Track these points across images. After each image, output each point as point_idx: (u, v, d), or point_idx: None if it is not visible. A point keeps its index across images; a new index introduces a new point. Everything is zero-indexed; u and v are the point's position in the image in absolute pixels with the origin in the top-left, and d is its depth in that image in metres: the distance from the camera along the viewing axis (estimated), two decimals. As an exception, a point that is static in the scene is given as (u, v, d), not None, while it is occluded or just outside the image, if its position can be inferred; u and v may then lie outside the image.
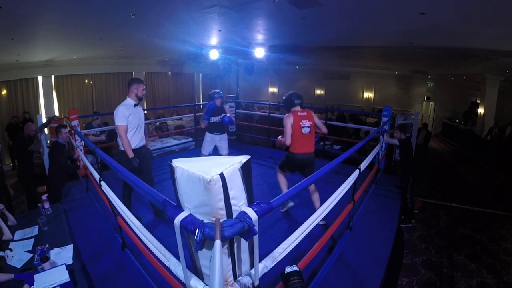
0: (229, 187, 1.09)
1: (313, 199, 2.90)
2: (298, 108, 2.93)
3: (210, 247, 1.07)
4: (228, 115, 3.81)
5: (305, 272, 1.93)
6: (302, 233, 1.62)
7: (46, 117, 4.49)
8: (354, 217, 2.86)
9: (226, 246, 1.14)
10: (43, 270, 1.92)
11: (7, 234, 2.38)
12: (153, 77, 11.34)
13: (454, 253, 4.06)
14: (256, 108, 11.61)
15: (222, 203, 1.08)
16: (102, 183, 2.25)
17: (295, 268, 1.17)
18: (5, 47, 5.64)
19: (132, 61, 10.00)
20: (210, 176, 1.04)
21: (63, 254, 2.23)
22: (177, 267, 1.34)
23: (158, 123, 7.88)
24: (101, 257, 2.41)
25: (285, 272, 1.17)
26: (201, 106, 12.15)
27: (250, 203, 1.20)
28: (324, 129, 3.06)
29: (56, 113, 8.37)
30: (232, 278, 1.20)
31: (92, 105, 9.54)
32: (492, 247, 4.20)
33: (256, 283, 1.25)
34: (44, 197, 2.91)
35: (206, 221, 1.10)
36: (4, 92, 7.52)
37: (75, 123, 4.31)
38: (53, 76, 8.40)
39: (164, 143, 6.15)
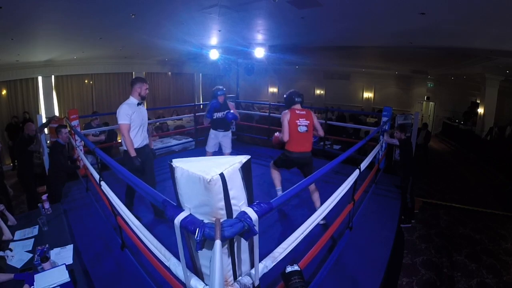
0: (229, 187, 1.09)
1: (313, 198, 2.90)
2: (298, 106, 2.92)
3: (210, 247, 1.06)
4: (232, 111, 3.79)
5: (305, 272, 1.93)
6: (302, 233, 1.62)
7: (46, 117, 4.49)
8: (354, 217, 2.86)
9: (226, 246, 1.14)
10: (43, 270, 1.92)
11: (7, 234, 2.37)
12: (153, 77, 11.34)
13: (454, 253, 4.06)
14: (256, 108, 11.62)
15: (222, 203, 1.08)
16: (102, 183, 2.25)
17: (296, 267, 1.17)
18: (5, 47, 5.64)
19: (132, 61, 10.00)
20: (210, 176, 1.04)
21: (63, 254, 2.22)
22: (177, 267, 1.34)
23: (158, 123, 7.89)
24: (101, 257, 2.41)
25: (286, 272, 1.17)
26: (201, 106, 12.19)
27: (250, 203, 1.20)
28: (321, 132, 3.03)
29: (56, 113, 8.37)
30: (232, 278, 1.20)
31: (92, 105, 9.54)
32: (492, 247, 4.20)
33: (256, 283, 1.25)
34: (44, 197, 2.91)
35: (206, 221, 1.10)
36: (4, 92, 7.52)
37: (75, 123, 4.31)
38: (53, 76, 8.40)
39: (164, 143, 6.15)
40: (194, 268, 1.31)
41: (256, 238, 1.18)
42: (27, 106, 7.92)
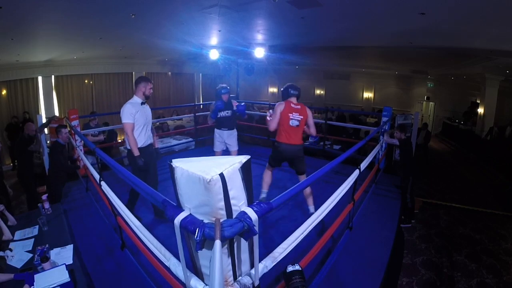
0: (229, 187, 1.09)
1: (308, 203, 2.92)
2: (293, 99, 2.91)
3: (210, 247, 1.07)
4: (243, 103, 3.76)
5: (305, 272, 1.93)
6: (302, 233, 1.62)
7: (46, 117, 4.49)
8: (354, 217, 2.86)
9: (226, 246, 1.14)
10: (43, 270, 1.92)
11: (7, 234, 2.37)
12: (153, 77, 11.34)
13: (454, 253, 4.06)
14: (256, 108, 11.62)
15: (222, 203, 1.08)
16: (102, 183, 2.25)
17: (297, 267, 1.18)
18: (5, 47, 5.64)
19: (132, 61, 10.00)
20: (210, 176, 1.04)
21: (63, 254, 2.22)
22: (177, 267, 1.34)
23: (158, 123, 7.89)
24: (101, 257, 2.41)
25: (287, 271, 1.17)
26: (201, 106, 12.17)
27: (250, 203, 1.20)
28: (313, 130, 2.99)
29: (56, 113, 8.37)
30: (232, 278, 1.20)
31: (92, 105, 9.54)
32: (492, 247, 4.20)
33: (256, 283, 1.25)
34: (44, 197, 2.91)
35: (206, 221, 1.10)
36: (4, 92, 7.52)
37: (75, 123, 4.31)
38: (53, 76, 8.40)
39: (164, 143, 6.15)
40: (194, 268, 1.31)
41: (256, 238, 1.18)
42: (27, 106, 7.92)
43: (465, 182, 7.25)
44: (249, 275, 1.27)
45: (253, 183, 1.25)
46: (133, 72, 10.38)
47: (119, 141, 6.94)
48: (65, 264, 1.96)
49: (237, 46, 7.12)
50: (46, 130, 4.29)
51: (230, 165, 1.12)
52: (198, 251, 1.12)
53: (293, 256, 1.60)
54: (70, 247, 2.31)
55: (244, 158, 1.19)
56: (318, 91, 14.68)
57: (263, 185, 3.16)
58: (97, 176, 2.44)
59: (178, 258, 1.29)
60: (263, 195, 3.14)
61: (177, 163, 1.17)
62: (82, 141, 4.16)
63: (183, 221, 1.11)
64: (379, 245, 2.62)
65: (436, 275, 3.61)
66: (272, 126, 2.90)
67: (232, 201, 1.11)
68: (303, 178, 2.94)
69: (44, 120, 4.25)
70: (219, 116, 3.74)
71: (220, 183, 1.06)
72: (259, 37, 6.70)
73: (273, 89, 15.52)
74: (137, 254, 2.32)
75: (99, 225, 2.94)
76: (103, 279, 2.14)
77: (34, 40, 5.63)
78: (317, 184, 2.92)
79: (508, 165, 7.29)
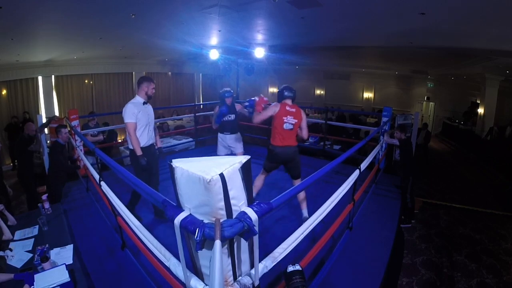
0: (229, 187, 1.09)
1: (302, 207, 2.90)
2: (288, 101, 2.86)
3: (210, 247, 1.07)
4: (254, 98, 3.72)
5: (305, 272, 1.94)
6: (302, 233, 1.62)
7: (46, 117, 4.48)
8: (354, 217, 2.86)
9: (226, 246, 1.14)
10: (43, 270, 1.92)
11: (7, 234, 2.37)
12: (153, 77, 11.34)
13: (454, 253, 4.06)
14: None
15: (222, 203, 1.08)
16: (102, 183, 2.25)
17: (297, 267, 1.18)
18: (5, 47, 5.64)
19: (132, 61, 10.00)
20: (210, 176, 1.04)
21: (63, 254, 2.22)
22: (177, 267, 1.34)
23: (158, 123, 7.89)
24: (101, 257, 2.41)
25: (288, 271, 1.17)
26: (201, 106, 12.16)
27: (250, 203, 1.20)
28: (305, 133, 2.91)
29: (56, 113, 8.37)
30: (232, 278, 1.20)
31: (92, 105, 9.55)
32: (492, 247, 4.20)
33: (256, 283, 1.25)
34: (44, 197, 2.91)
35: (206, 221, 1.10)
36: (4, 92, 7.52)
37: (75, 123, 4.31)
38: (53, 76, 8.41)
39: (164, 143, 6.14)
40: (194, 268, 1.31)
41: (256, 238, 1.18)
42: (27, 106, 7.92)
43: (465, 182, 7.25)
44: (249, 275, 1.27)
45: (253, 183, 1.25)
46: (133, 72, 10.38)
47: (119, 141, 6.94)
48: (65, 264, 1.96)
49: (237, 46, 7.12)
50: (46, 130, 4.29)
51: (230, 165, 1.12)
52: (198, 251, 1.12)
53: (293, 256, 1.60)
54: (70, 247, 2.31)
55: (244, 158, 1.19)
56: (318, 91, 14.68)
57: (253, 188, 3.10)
58: (97, 176, 2.44)
59: (178, 258, 1.29)
60: None
61: (177, 163, 1.17)
62: (82, 141, 4.16)
63: (183, 221, 1.11)
64: (379, 245, 2.62)
65: (436, 275, 3.61)
66: (256, 120, 2.90)
67: (232, 201, 1.11)
68: (298, 182, 2.85)
69: (44, 120, 4.25)
70: (222, 120, 3.70)
71: (220, 183, 1.06)
72: (259, 37, 6.70)
73: (273, 89, 15.50)
74: (137, 254, 2.32)
75: (99, 225, 2.94)
76: (103, 279, 2.14)
77: (34, 40, 5.63)
78: (317, 184, 2.92)
79: (508, 165, 7.28)
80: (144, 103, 2.81)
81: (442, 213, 5.26)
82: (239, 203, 1.15)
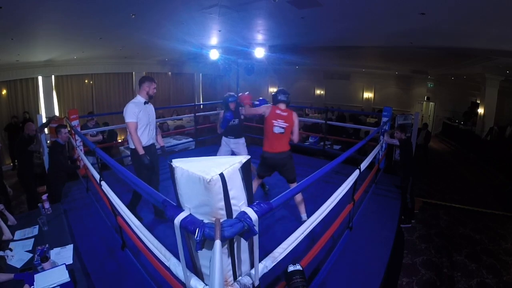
0: (229, 187, 1.09)
1: (300, 210, 2.86)
2: (281, 105, 2.79)
3: (210, 247, 1.07)
4: (261, 98, 3.67)
5: (306, 272, 1.94)
6: (302, 233, 1.63)
7: (46, 117, 4.48)
8: (354, 217, 2.86)
9: (226, 246, 1.14)
10: (43, 270, 1.92)
11: (7, 234, 2.37)
12: (153, 77, 11.31)
13: (454, 253, 4.06)
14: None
15: (222, 203, 1.08)
16: (102, 183, 2.25)
17: (298, 267, 1.18)
18: (5, 47, 5.64)
19: (132, 61, 10.00)
20: (210, 176, 1.04)
21: (63, 254, 2.22)
22: (177, 267, 1.34)
23: (158, 123, 7.87)
24: (101, 257, 2.41)
25: (288, 271, 1.17)
26: (201, 106, 12.15)
27: (250, 203, 1.20)
28: (295, 137, 2.84)
29: (56, 113, 8.37)
30: (232, 278, 1.20)
31: (92, 105, 9.55)
32: (492, 247, 4.20)
33: (256, 283, 1.25)
34: (44, 197, 2.91)
35: (206, 221, 1.10)
36: (4, 92, 7.52)
37: (75, 123, 4.31)
38: (53, 76, 8.40)
39: (164, 143, 6.12)
40: (194, 268, 1.32)
41: (256, 238, 1.18)
42: (27, 106, 7.92)
43: (465, 182, 7.25)
44: (249, 275, 1.27)
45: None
46: (133, 72, 10.38)
47: (119, 141, 6.94)
48: (65, 264, 1.96)
49: (237, 46, 7.12)
50: (46, 130, 4.29)
51: (230, 165, 1.12)
52: (198, 251, 1.12)
53: (293, 256, 1.60)
54: (70, 247, 2.31)
55: (244, 158, 1.19)
56: (318, 91, 14.68)
57: None
58: (97, 176, 2.44)
59: (178, 258, 1.30)
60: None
61: (177, 163, 1.17)
62: (82, 141, 4.16)
63: (183, 221, 1.11)
64: (379, 245, 2.62)
65: (436, 275, 3.61)
66: (247, 112, 3.08)
67: (232, 201, 1.11)
68: (294, 186, 2.79)
69: (44, 120, 4.25)
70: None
71: (220, 183, 1.06)
72: (259, 37, 6.71)
73: (273, 89, 15.49)
74: (137, 254, 2.32)
75: (99, 225, 2.94)
76: (103, 279, 2.14)
77: (34, 40, 5.63)
78: (317, 184, 2.91)
79: (508, 165, 7.28)
80: (145, 102, 2.82)
81: (442, 213, 5.26)
82: (239, 203, 1.15)
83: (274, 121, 2.75)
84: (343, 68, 13.30)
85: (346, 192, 2.25)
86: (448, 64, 9.35)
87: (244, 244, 1.24)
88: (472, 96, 11.57)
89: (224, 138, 3.82)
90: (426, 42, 6.13)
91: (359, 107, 13.52)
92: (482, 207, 5.46)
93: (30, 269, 2.01)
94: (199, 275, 1.28)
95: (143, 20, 4.91)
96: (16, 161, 6.23)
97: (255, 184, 3.04)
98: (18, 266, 2.09)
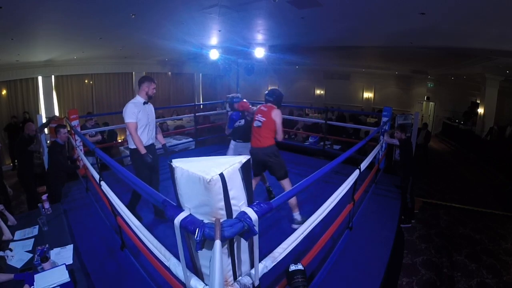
0: (229, 187, 1.09)
1: (293, 211, 2.84)
2: (268, 104, 2.95)
3: (210, 247, 1.07)
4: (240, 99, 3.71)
5: (306, 272, 1.94)
6: (302, 233, 1.62)
7: (46, 117, 4.48)
8: (354, 217, 2.86)
9: (226, 246, 1.14)
10: (43, 270, 1.92)
11: (7, 234, 2.37)
12: (153, 77, 11.28)
13: (454, 253, 4.06)
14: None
15: (222, 203, 1.08)
16: (102, 183, 2.25)
17: (299, 266, 1.18)
18: (5, 47, 5.64)
19: (132, 61, 10.00)
20: (210, 176, 1.04)
21: (63, 254, 2.22)
22: (177, 267, 1.34)
23: (158, 123, 7.86)
24: (101, 257, 2.41)
25: (290, 270, 1.17)
26: (201, 106, 12.15)
27: (250, 203, 1.20)
28: (278, 136, 2.88)
29: (56, 113, 8.37)
30: (232, 278, 1.20)
31: (92, 105, 9.55)
32: (492, 247, 4.20)
33: (256, 283, 1.25)
34: (44, 197, 2.91)
35: (206, 221, 1.10)
36: (4, 92, 7.52)
37: (75, 123, 4.31)
38: (53, 76, 8.40)
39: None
40: (194, 268, 1.31)
41: (256, 238, 1.18)
42: (27, 106, 7.92)
43: (465, 182, 7.25)
44: (249, 275, 1.27)
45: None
46: (133, 72, 10.37)
47: (119, 141, 6.94)
48: (65, 264, 1.96)
49: (237, 46, 7.13)
50: (46, 130, 4.29)
51: (230, 165, 1.12)
52: (198, 251, 1.12)
53: (293, 256, 1.60)
54: (70, 247, 2.31)
55: (244, 158, 1.19)
56: (318, 91, 14.67)
57: None
58: (97, 176, 2.44)
59: (178, 258, 1.30)
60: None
61: (177, 163, 1.17)
62: (82, 141, 4.16)
63: (183, 221, 1.11)
64: (379, 245, 2.62)
65: (436, 275, 3.61)
66: (250, 115, 3.27)
67: (232, 201, 1.11)
68: (285, 183, 2.85)
69: (44, 120, 4.25)
70: (235, 126, 3.62)
71: (220, 183, 1.06)
72: (259, 37, 6.70)
73: (273, 89, 15.49)
74: (137, 254, 2.32)
75: (99, 225, 2.94)
76: (103, 279, 2.14)
77: (34, 40, 5.63)
78: (317, 184, 2.90)
79: (508, 165, 7.28)
80: (145, 103, 2.82)
81: (442, 213, 5.26)
82: (239, 203, 1.15)
83: (255, 116, 2.92)
84: (343, 68, 13.30)
85: (346, 192, 2.25)
86: (448, 64, 9.35)
87: (244, 244, 1.23)
88: (472, 96, 11.57)
89: (232, 142, 3.75)
90: (426, 42, 6.13)
91: (359, 107, 13.52)
92: (482, 207, 5.46)
93: (30, 269, 2.01)
94: (199, 275, 1.28)
95: (143, 20, 4.91)
96: (16, 161, 6.23)
97: (253, 183, 3.04)
98: (18, 266, 2.09)
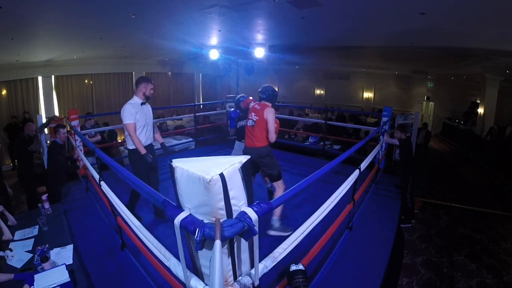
0: (229, 187, 1.09)
1: (275, 214, 2.74)
2: (262, 101, 2.79)
3: (210, 247, 1.07)
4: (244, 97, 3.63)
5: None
6: (302, 233, 1.62)
7: (46, 117, 4.48)
8: (354, 217, 2.86)
9: (226, 246, 1.14)
10: (43, 270, 1.92)
11: (7, 234, 2.37)
12: (153, 77, 11.33)
13: (454, 253, 4.06)
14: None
15: (222, 203, 1.08)
16: (102, 183, 2.25)
17: (300, 266, 1.18)
18: (5, 47, 5.64)
19: (132, 61, 10.00)
20: (210, 176, 1.04)
21: (63, 254, 2.22)
22: (177, 267, 1.34)
23: (158, 123, 7.88)
24: (101, 257, 2.41)
25: (290, 270, 1.17)
26: (201, 106, 12.14)
27: (250, 203, 1.20)
28: (270, 136, 2.69)
29: (56, 113, 8.37)
30: (232, 278, 1.20)
31: (92, 105, 9.55)
32: (492, 247, 4.20)
33: (256, 283, 1.25)
34: (44, 197, 2.91)
35: (206, 221, 1.10)
36: (4, 92, 7.52)
37: (75, 123, 4.31)
38: (53, 76, 8.40)
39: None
40: (194, 268, 1.31)
41: (256, 238, 1.18)
42: (27, 106, 7.92)
43: (465, 182, 7.25)
44: (249, 275, 1.27)
45: (253, 183, 1.25)
46: (133, 72, 10.38)
47: (119, 141, 6.93)
48: (65, 264, 1.96)
49: (237, 46, 7.12)
50: (46, 130, 4.29)
51: (230, 165, 1.12)
52: (198, 251, 1.12)
53: (293, 256, 1.60)
54: (70, 247, 2.31)
55: (244, 158, 1.19)
56: (318, 91, 14.67)
57: None
58: (96, 176, 2.44)
59: (178, 258, 1.30)
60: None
61: (177, 163, 1.17)
62: (82, 141, 4.16)
63: (183, 221, 1.11)
64: (379, 245, 2.62)
65: (436, 275, 3.61)
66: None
67: (232, 201, 1.11)
68: (278, 185, 2.74)
69: (44, 120, 4.25)
70: (238, 125, 3.58)
71: (220, 183, 1.06)
72: (259, 37, 6.71)
73: (273, 89, 15.49)
74: (137, 254, 2.32)
75: (99, 225, 2.94)
76: (103, 279, 2.14)
77: (34, 40, 5.63)
78: (317, 184, 2.91)
79: (508, 165, 7.28)
80: (142, 103, 2.81)
81: (442, 213, 5.26)
82: (239, 203, 1.15)
83: (249, 115, 2.80)
84: (343, 68, 13.30)
85: (346, 192, 2.25)
86: (448, 64, 9.35)
87: (244, 244, 1.23)
88: (472, 96, 11.57)
89: (237, 142, 3.70)
90: (426, 42, 6.13)
91: (359, 107, 13.51)
92: (482, 207, 5.46)
93: (30, 269, 2.01)
94: (199, 275, 1.28)
95: (143, 20, 4.91)
96: (16, 161, 6.23)
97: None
98: (18, 266, 2.09)
